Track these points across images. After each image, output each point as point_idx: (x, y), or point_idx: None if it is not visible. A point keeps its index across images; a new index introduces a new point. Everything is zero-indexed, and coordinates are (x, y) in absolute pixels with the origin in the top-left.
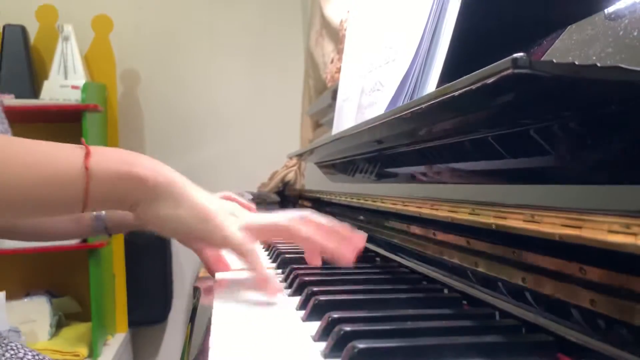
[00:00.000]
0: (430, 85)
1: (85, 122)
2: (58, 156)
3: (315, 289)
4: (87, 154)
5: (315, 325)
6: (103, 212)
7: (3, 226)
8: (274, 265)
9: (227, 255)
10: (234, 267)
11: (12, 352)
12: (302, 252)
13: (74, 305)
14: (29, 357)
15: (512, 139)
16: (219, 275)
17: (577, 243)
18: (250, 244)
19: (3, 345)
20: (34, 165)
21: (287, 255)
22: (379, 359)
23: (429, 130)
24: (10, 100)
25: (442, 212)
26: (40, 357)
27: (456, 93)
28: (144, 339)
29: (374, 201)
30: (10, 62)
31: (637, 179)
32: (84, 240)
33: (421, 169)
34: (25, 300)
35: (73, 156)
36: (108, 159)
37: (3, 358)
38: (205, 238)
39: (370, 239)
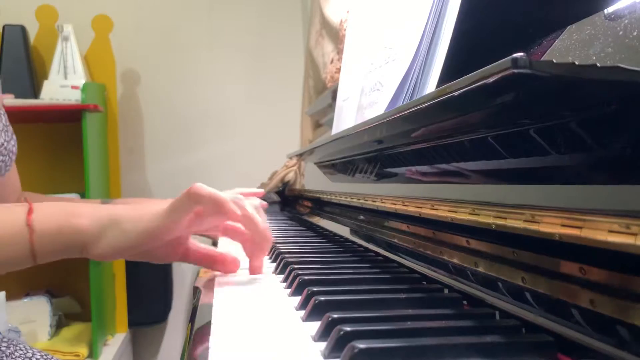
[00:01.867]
0: (430, 85)
1: (85, 122)
2: (2, 216)
3: (315, 289)
4: (29, 211)
5: (315, 325)
6: (111, 202)
7: None
8: (274, 265)
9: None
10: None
11: (20, 352)
12: (302, 252)
13: (74, 305)
14: (37, 356)
15: (512, 139)
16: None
17: (577, 243)
18: (194, 188)
19: (12, 345)
20: None
21: (287, 256)
22: (379, 359)
23: (429, 130)
24: (10, 100)
25: (442, 212)
26: (49, 357)
27: (456, 93)
28: (144, 339)
29: (374, 201)
30: (10, 62)
31: (637, 179)
32: None
33: (421, 169)
34: (25, 300)
35: (16, 214)
36: (48, 213)
37: (11, 358)
38: (165, 230)
39: (370, 239)
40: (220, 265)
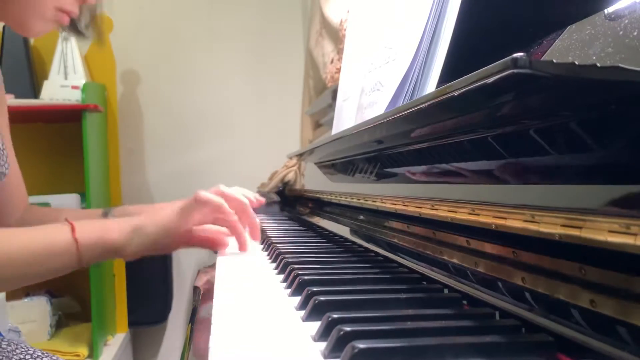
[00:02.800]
0: (430, 85)
1: (85, 122)
2: (51, 234)
3: (315, 289)
4: (73, 229)
5: (315, 325)
6: (110, 212)
7: None
8: (274, 265)
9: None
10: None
11: (21, 349)
12: (302, 253)
13: (74, 305)
14: (39, 353)
15: (512, 139)
16: (220, 273)
17: (577, 243)
18: (199, 196)
19: (12, 343)
20: (38, 247)
21: (286, 256)
22: (379, 359)
23: (429, 130)
24: (10, 100)
25: (442, 212)
26: (54, 358)
27: (456, 93)
28: (144, 339)
29: (374, 201)
30: (10, 62)
31: (637, 179)
32: None
33: (421, 169)
34: (25, 300)
35: (62, 231)
36: (87, 229)
37: (13, 354)
38: (178, 227)
39: (370, 239)
40: (214, 244)
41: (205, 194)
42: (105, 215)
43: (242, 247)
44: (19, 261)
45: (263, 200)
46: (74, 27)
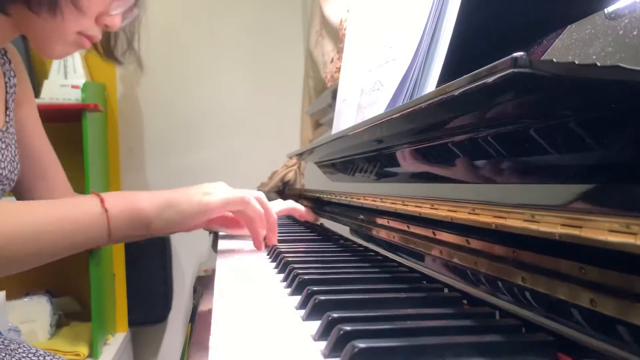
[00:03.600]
0: (430, 84)
1: (85, 122)
2: (80, 206)
3: (315, 288)
4: (102, 200)
5: (315, 325)
6: None
7: None
8: (274, 264)
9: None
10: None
11: (24, 348)
12: (302, 252)
13: (74, 305)
14: (41, 352)
15: (512, 139)
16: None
17: (577, 243)
18: (244, 197)
19: (13, 343)
20: (67, 219)
21: (287, 256)
22: (379, 358)
23: (428, 130)
24: None
25: (442, 212)
26: (57, 357)
27: (456, 92)
28: (144, 339)
29: (374, 200)
30: None
31: (637, 179)
32: None
33: (421, 168)
34: (25, 300)
35: (91, 203)
36: (116, 200)
37: (15, 352)
38: (214, 213)
39: (370, 238)
40: (232, 224)
41: (255, 205)
42: None
43: (259, 246)
44: (47, 234)
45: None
46: (110, 54)
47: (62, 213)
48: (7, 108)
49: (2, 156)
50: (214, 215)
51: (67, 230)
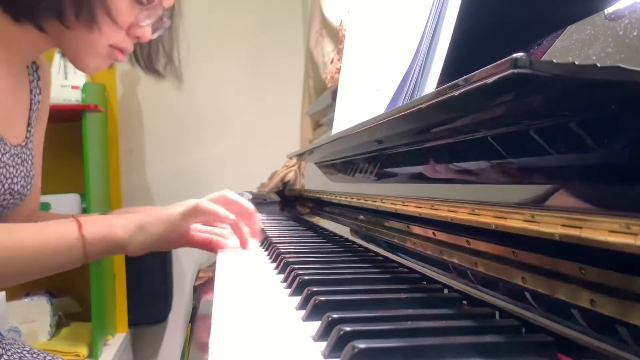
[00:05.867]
0: (430, 85)
1: (85, 122)
2: (59, 231)
3: (315, 288)
4: (80, 226)
5: (315, 325)
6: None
7: None
8: (274, 265)
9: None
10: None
11: (24, 348)
12: (302, 252)
13: (74, 305)
14: (45, 354)
15: (512, 139)
16: (220, 272)
17: (577, 243)
18: (194, 202)
19: (13, 343)
20: (46, 243)
21: (287, 256)
22: (379, 358)
23: (428, 130)
24: None
25: (442, 212)
26: (56, 358)
27: (456, 93)
28: (144, 339)
29: (374, 201)
30: None
31: (637, 179)
32: None
33: (421, 169)
34: (25, 300)
35: (69, 228)
36: (93, 226)
37: (11, 347)
38: (180, 230)
39: (370, 239)
40: (212, 246)
41: (205, 205)
42: None
43: (243, 245)
44: (28, 257)
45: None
46: (152, 67)
47: (42, 238)
48: (29, 124)
49: (17, 171)
50: (182, 230)
51: (46, 254)
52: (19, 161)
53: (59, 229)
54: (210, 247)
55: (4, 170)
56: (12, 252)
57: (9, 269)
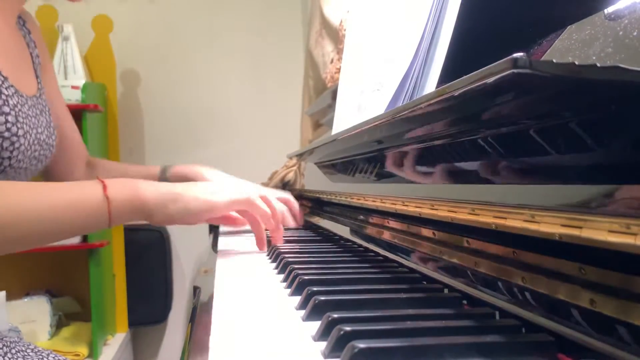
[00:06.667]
0: (430, 85)
1: (85, 122)
2: (83, 192)
3: (315, 288)
4: (104, 187)
5: (315, 325)
6: (168, 169)
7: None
8: (274, 264)
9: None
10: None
11: (22, 347)
12: (302, 252)
13: (74, 305)
14: (47, 352)
15: (512, 139)
16: (220, 275)
17: (577, 243)
18: (249, 197)
19: (14, 343)
20: (67, 203)
21: (287, 256)
22: (379, 358)
23: (428, 130)
24: None
25: (442, 212)
26: (60, 358)
27: (456, 93)
28: (144, 339)
29: (374, 201)
30: None
31: (637, 179)
32: (84, 240)
33: (421, 168)
34: (25, 300)
35: (94, 189)
36: (119, 188)
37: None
38: (220, 212)
39: (370, 239)
40: (233, 221)
41: (260, 206)
42: (162, 172)
43: (261, 247)
44: (49, 218)
45: (298, 223)
46: None
47: (64, 198)
48: (37, 77)
49: (38, 121)
50: (218, 214)
51: (68, 216)
52: (38, 112)
53: (82, 190)
54: (232, 222)
55: (27, 120)
56: (32, 213)
57: (29, 230)
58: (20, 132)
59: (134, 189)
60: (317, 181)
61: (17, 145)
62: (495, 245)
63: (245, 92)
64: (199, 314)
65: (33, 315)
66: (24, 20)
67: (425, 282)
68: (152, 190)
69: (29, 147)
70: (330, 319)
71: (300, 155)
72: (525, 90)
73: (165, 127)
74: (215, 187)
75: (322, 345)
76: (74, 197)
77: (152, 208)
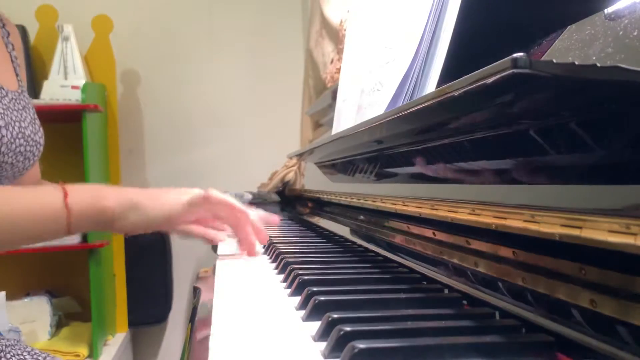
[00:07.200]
0: (430, 85)
1: (85, 122)
2: (42, 199)
3: (315, 289)
4: (65, 195)
5: (315, 325)
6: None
7: None
8: (274, 265)
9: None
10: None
11: (22, 350)
12: (302, 252)
13: (74, 305)
14: (45, 354)
15: (512, 139)
16: (219, 276)
17: (577, 243)
18: (202, 192)
19: (13, 343)
20: (25, 210)
21: (287, 256)
22: (379, 359)
23: (428, 130)
24: None
25: (442, 212)
26: (55, 359)
27: (456, 93)
28: (144, 339)
29: (374, 201)
30: None
31: (637, 179)
32: (84, 240)
33: (421, 168)
34: (25, 300)
35: (54, 197)
36: (81, 195)
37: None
38: (181, 219)
39: (370, 239)
40: (209, 240)
41: (217, 194)
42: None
43: (251, 252)
44: (5, 225)
45: (276, 219)
46: None
47: (23, 205)
48: (17, 75)
49: (21, 115)
50: (181, 220)
51: (25, 223)
52: (20, 107)
53: (42, 196)
54: (208, 240)
55: (9, 112)
56: None
57: None
58: (2, 123)
59: (96, 196)
60: (317, 181)
61: None
62: (495, 245)
63: (245, 92)
64: (199, 314)
65: (33, 315)
66: (4, 23)
67: (425, 282)
68: (114, 197)
69: (13, 141)
70: (330, 319)
71: (300, 155)
72: (525, 90)
73: (165, 127)
74: (176, 193)
75: (322, 345)
76: (32, 204)
77: (113, 216)
